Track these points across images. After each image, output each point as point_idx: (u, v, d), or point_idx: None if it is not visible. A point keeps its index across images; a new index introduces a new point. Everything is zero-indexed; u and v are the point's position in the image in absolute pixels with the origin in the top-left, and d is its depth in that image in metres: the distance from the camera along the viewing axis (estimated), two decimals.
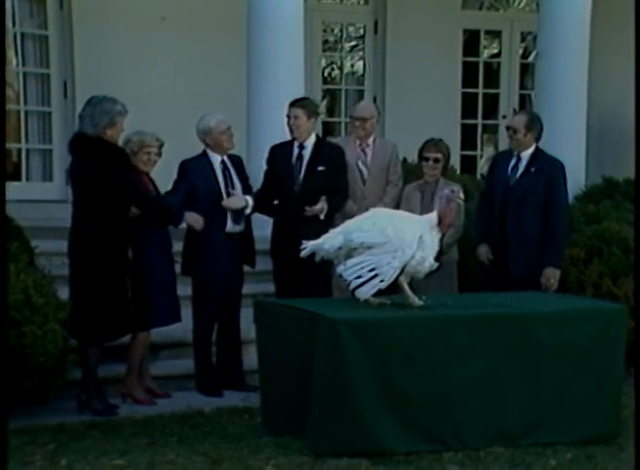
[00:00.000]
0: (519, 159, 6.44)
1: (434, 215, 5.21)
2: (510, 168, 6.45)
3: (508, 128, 6.56)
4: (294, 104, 6.41)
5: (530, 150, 6.42)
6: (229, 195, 6.29)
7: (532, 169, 6.36)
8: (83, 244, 5.74)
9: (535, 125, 6.44)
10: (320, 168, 6.36)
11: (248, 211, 6.29)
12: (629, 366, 5.57)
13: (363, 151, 6.97)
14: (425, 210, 6.17)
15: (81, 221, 5.78)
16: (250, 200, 6.28)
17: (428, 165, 6.61)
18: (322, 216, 6.26)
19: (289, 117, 6.39)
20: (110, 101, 5.83)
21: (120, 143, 6.01)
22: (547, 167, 6.37)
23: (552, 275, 6.29)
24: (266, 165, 6.56)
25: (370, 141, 6.99)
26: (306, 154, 6.40)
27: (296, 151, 6.41)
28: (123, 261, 5.81)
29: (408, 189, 6.72)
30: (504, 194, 6.39)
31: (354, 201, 6.80)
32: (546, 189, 6.31)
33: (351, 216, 6.52)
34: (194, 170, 6.32)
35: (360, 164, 6.93)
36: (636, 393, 5.38)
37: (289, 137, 6.48)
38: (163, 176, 6.26)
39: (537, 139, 6.47)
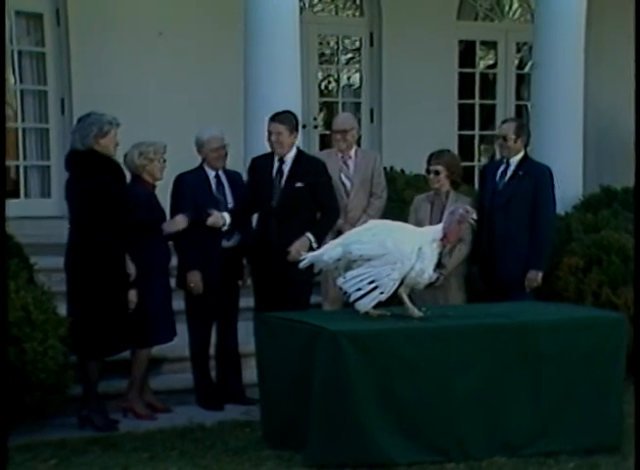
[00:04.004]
0: (507, 165, 6.63)
1: (438, 229, 5.22)
2: (499, 174, 6.63)
3: (498, 137, 6.79)
4: (274, 119, 6.21)
5: (519, 156, 6.62)
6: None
7: (520, 173, 6.55)
8: (81, 259, 5.75)
9: (524, 131, 6.68)
10: (298, 185, 6.16)
11: (224, 228, 6.17)
12: (630, 375, 5.56)
13: (345, 163, 6.96)
14: (434, 221, 6.17)
15: (79, 236, 5.79)
16: (227, 217, 6.15)
17: (429, 178, 6.61)
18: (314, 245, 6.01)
19: (270, 132, 6.21)
20: (97, 113, 5.89)
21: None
22: (535, 172, 6.58)
23: (534, 278, 6.47)
24: (247, 177, 6.44)
25: (352, 153, 6.98)
26: (286, 169, 6.22)
27: (276, 165, 6.25)
28: (122, 276, 5.81)
29: (418, 200, 6.70)
30: (492, 198, 6.56)
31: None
32: (533, 193, 6.49)
33: (337, 229, 6.56)
34: (190, 184, 6.32)
35: (343, 176, 6.92)
36: (636, 402, 5.37)
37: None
38: (159, 188, 6.28)
39: (526, 145, 6.70)
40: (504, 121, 6.95)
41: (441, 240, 5.19)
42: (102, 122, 5.82)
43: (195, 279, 6.20)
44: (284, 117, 6.24)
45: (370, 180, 6.96)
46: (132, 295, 5.86)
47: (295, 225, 6.13)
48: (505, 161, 6.65)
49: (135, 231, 5.89)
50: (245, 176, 6.60)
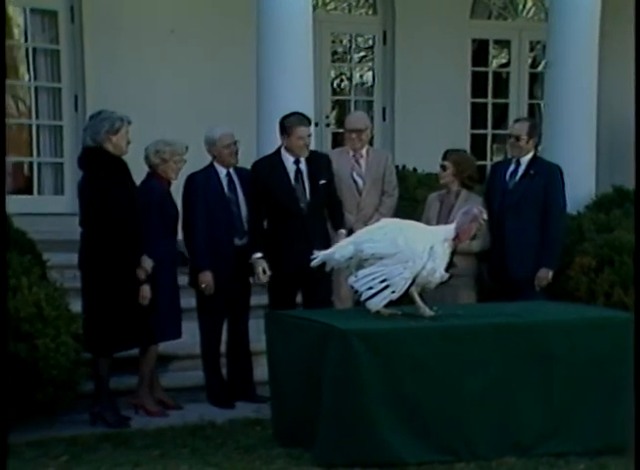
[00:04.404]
0: (518, 164, 6.65)
1: (451, 228, 5.21)
2: (509, 174, 6.65)
3: (509, 136, 6.78)
4: (307, 123, 6.28)
5: (529, 155, 6.65)
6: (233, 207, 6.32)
7: (532, 172, 6.58)
8: (91, 257, 5.79)
9: (536, 132, 6.73)
10: (322, 182, 6.30)
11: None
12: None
13: (357, 162, 6.96)
14: (442, 219, 6.25)
15: (89, 235, 5.82)
16: (260, 255, 6.18)
17: (439, 173, 6.65)
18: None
19: (302, 137, 6.24)
20: (108, 111, 5.93)
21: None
22: (546, 171, 6.61)
23: (545, 276, 6.51)
24: (254, 185, 6.30)
25: (363, 151, 6.99)
26: (304, 168, 6.29)
27: (292, 167, 6.28)
28: (132, 274, 5.83)
29: (430, 198, 6.72)
30: (503, 197, 6.57)
31: (351, 212, 6.79)
32: (544, 192, 6.52)
33: (349, 228, 6.57)
34: (201, 183, 6.33)
35: (355, 175, 6.93)
36: (636, 402, 5.35)
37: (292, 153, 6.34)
38: (172, 186, 6.29)
39: (536, 145, 6.75)
40: (516, 121, 6.95)
41: (453, 240, 5.19)
42: (113, 119, 5.85)
43: (207, 280, 6.21)
44: (308, 118, 6.35)
45: (382, 179, 6.97)
46: (145, 290, 5.88)
47: (318, 224, 6.26)
48: (515, 160, 6.66)
49: (146, 229, 5.91)
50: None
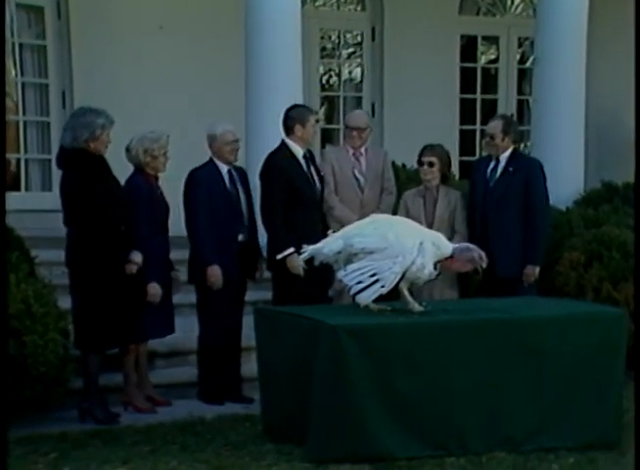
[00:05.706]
0: (497, 161, 6.63)
1: (449, 249, 5.20)
2: (489, 171, 6.64)
3: (485, 135, 6.77)
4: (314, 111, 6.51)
5: (508, 152, 6.62)
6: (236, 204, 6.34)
7: (511, 169, 6.56)
8: (77, 254, 5.77)
9: (511, 128, 6.66)
10: (322, 174, 6.51)
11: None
12: (629, 371, 5.57)
13: (357, 159, 6.98)
14: (428, 215, 6.32)
15: (73, 233, 5.80)
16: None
17: (422, 170, 6.63)
18: None
19: (314, 125, 6.46)
20: (92, 113, 5.81)
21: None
22: (525, 167, 6.60)
23: (531, 273, 6.50)
24: (274, 178, 6.31)
25: (362, 149, 7.01)
26: (309, 162, 6.43)
27: (302, 161, 6.37)
28: (120, 270, 5.81)
29: (408, 195, 6.71)
30: (484, 195, 6.57)
31: (353, 210, 6.79)
32: (525, 188, 6.51)
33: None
34: (206, 179, 6.28)
35: (357, 172, 6.93)
36: (636, 398, 5.38)
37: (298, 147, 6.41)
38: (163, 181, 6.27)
39: (515, 142, 6.71)
40: (491, 119, 6.90)
41: (446, 259, 5.18)
42: (94, 127, 5.74)
43: (215, 274, 6.15)
44: None
45: (381, 176, 6.99)
46: (154, 287, 5.88)
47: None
48: (495, 157, 6.63)
49: (135, 227, 5.89)
50: (253, 174, 6.61)
